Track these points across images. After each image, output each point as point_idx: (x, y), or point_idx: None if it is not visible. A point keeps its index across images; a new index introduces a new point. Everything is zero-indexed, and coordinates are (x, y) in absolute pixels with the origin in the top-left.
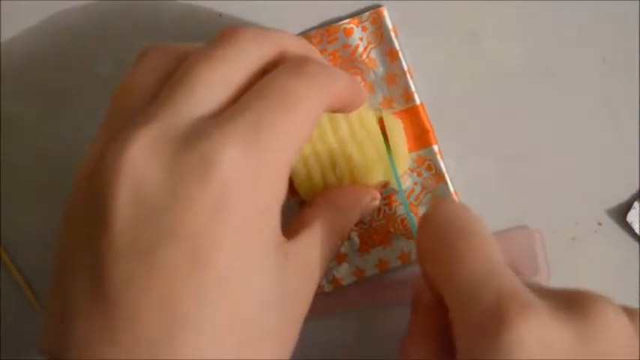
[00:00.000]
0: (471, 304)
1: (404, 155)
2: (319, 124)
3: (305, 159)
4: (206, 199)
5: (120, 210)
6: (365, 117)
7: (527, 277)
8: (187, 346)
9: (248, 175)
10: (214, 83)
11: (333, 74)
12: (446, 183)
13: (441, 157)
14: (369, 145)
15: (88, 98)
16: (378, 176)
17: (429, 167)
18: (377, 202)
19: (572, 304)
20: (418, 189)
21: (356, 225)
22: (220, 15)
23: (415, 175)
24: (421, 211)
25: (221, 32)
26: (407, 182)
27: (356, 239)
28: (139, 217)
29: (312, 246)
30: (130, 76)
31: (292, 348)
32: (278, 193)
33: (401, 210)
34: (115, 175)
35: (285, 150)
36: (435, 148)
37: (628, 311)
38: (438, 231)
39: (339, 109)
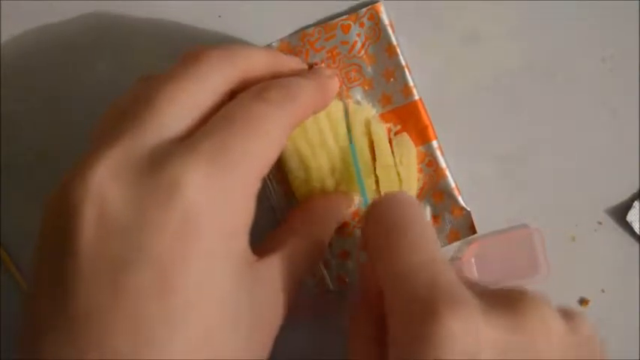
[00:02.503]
0: (403, 293)
1: (414, 178)
2: (320, 129)
3: (304, 163)
4: (171, 223)
5: (85, 233)
6: (371, 124)
7: (474, 279)
8: None
9: (213, 199)
10: (179, 105)
11: (296, 94)
12: (447, 178)
13: (442, 153)
14: (367, 152)
15: (88, 99)
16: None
17: (429, 163)
18: (352, 209)
19: (506, 302)
20: (420, 185)
21: (358, 222)
22: (220, 16)
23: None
24: (424, 207)
25: (186, 54)
26: None
27: (359, 235)
28: (105, 240)
29: (284, 263)
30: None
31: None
32: (245, 215)
33: None
34: (80, 198)
35: (250, 173)
36: (435, 143)
37: (565, 313)
38: (381, 221)
39: (310, 115)
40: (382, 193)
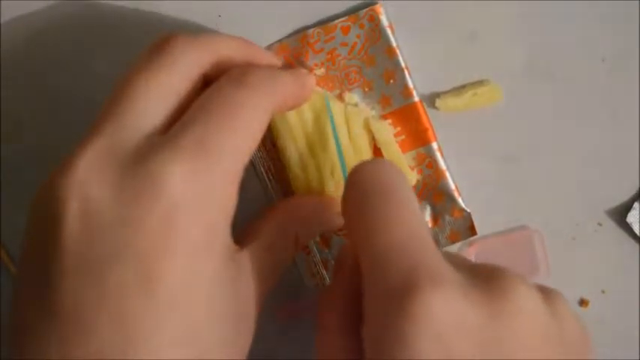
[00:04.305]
0: (382, 271)
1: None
2: (320, 129)
3: (304, 164)
4: (154, 218)
5: (68, 230)
6: (371, 123)
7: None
8: None
9: (196, 193)
10: (154, 93)
11: (275, 79)
12: (447, 180)
13: (441, 154)
14: (367, 153)
15: (87, 98)
16: None
17: (429, 165)
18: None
19: (488, 282)
20: (420, 187)
21: None
22: (220, 15)
23: (416, 172)
24: (424, 208)
25: (154, 42)
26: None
27: None
28: (88, 237)
29: (263, 252)
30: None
31: (247, 351)
32: (227, 208)
33: None
34: (62, 195)
35: (231, 165)
36: (435, 145)
37: (545, 292)
38: (360, 191)
39: (288, 108)
40: None
